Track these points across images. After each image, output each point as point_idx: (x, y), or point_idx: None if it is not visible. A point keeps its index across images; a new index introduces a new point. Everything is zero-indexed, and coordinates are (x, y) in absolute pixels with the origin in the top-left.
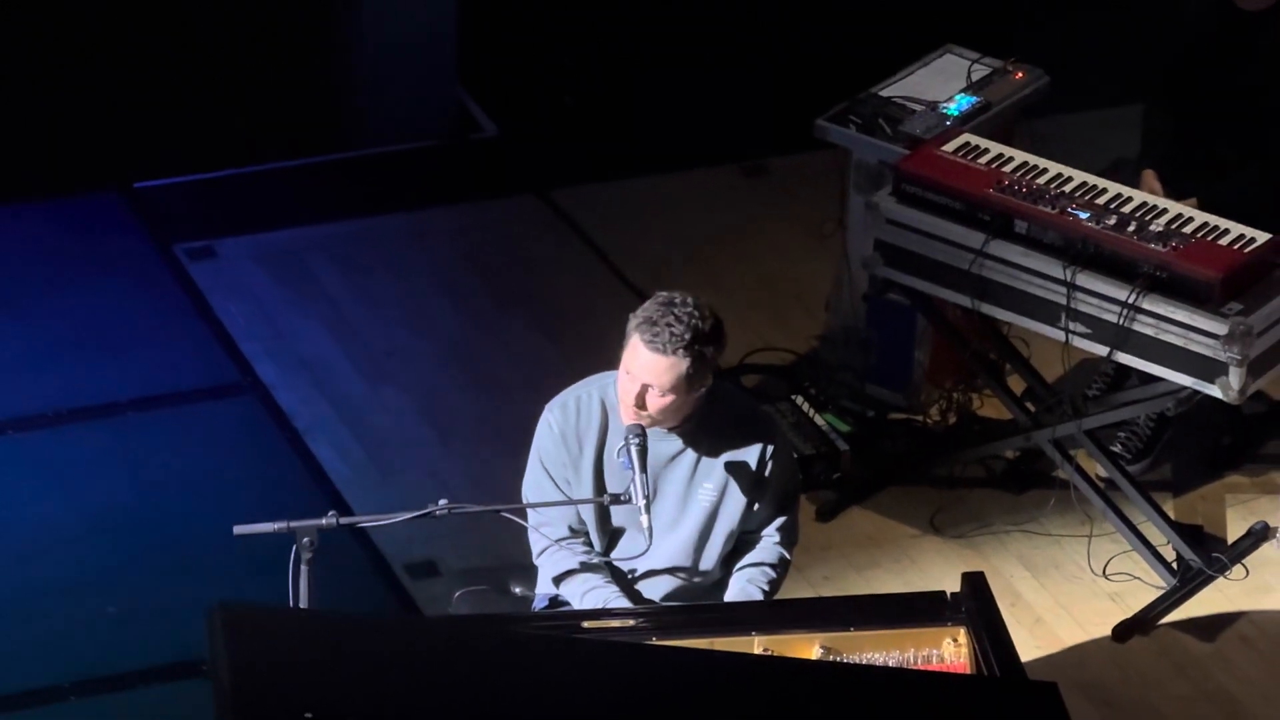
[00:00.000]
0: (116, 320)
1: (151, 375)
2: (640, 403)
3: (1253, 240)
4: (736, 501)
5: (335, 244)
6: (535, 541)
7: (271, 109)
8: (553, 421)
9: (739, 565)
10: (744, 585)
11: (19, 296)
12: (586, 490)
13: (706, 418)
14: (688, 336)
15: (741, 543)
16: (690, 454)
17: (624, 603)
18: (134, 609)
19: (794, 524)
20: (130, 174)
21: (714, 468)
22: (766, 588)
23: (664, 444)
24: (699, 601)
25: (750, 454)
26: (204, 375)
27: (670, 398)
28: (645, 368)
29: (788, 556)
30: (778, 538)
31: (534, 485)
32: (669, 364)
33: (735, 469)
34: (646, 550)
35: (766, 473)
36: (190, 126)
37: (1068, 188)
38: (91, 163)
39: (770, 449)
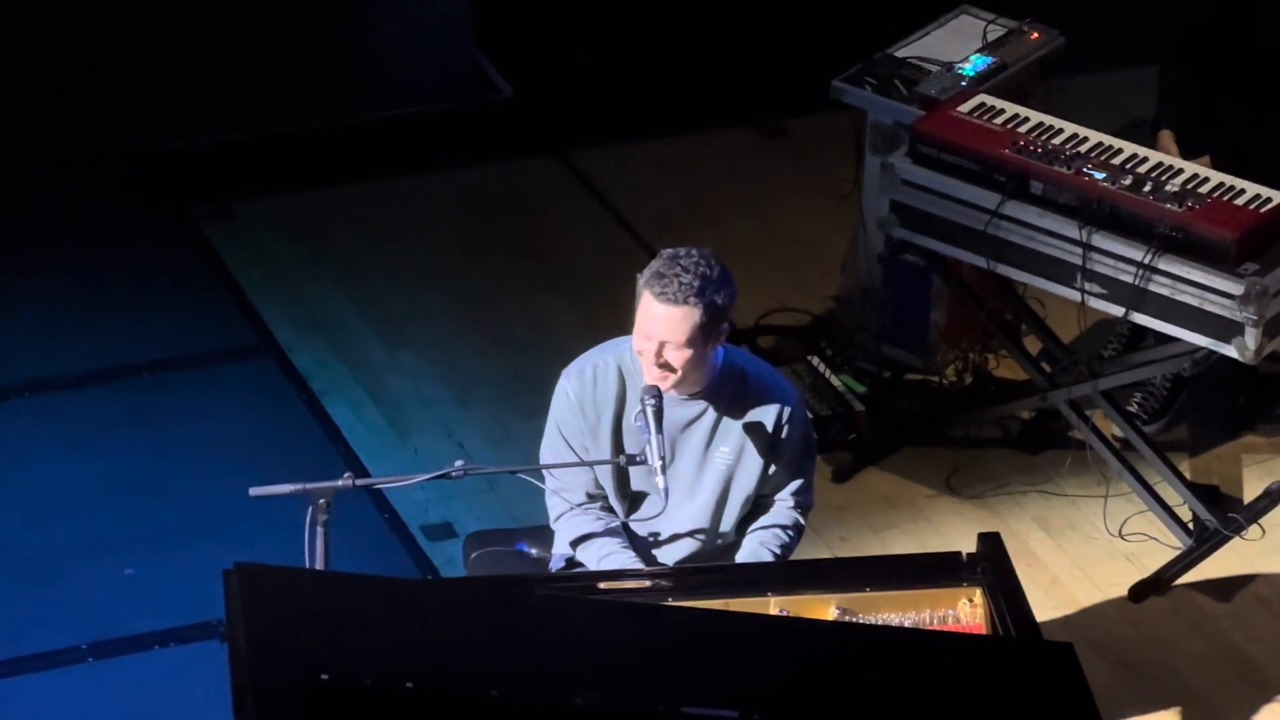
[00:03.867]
0: (134, 282)
1: (169, 337)
2: (661, 361)
3: (1269, 200)
4: (753, 464)
5: (352, 206)
6: (553, 506)
7: (288, 71)
8: (570, 389)
9: (752, 527)
10: (755, 547)
11: (37, 259)
12: (605, 457)
13: (723, 382)
14: (697, 284)
15: (756, 507)
16: (708, 418)
17: (640, 566)
18: (151, 570)
19: (809, 488)
20: (148, 136)
21: (731, 431)
22: (778, 550)
23: (681, 409)
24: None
25: (767, 417)
26: (221, 337)
27: (689, 351)
28: (660, 322)
29: (802, 521)
30: (791, 502)
31: (552, 452)
32: (683, 314)
33: (751, 432)
34: (663, 511)
35: (782, 436)
36: (207, 89)
37: (1083, 148)
38: (110, 125)
39: (786, 412)
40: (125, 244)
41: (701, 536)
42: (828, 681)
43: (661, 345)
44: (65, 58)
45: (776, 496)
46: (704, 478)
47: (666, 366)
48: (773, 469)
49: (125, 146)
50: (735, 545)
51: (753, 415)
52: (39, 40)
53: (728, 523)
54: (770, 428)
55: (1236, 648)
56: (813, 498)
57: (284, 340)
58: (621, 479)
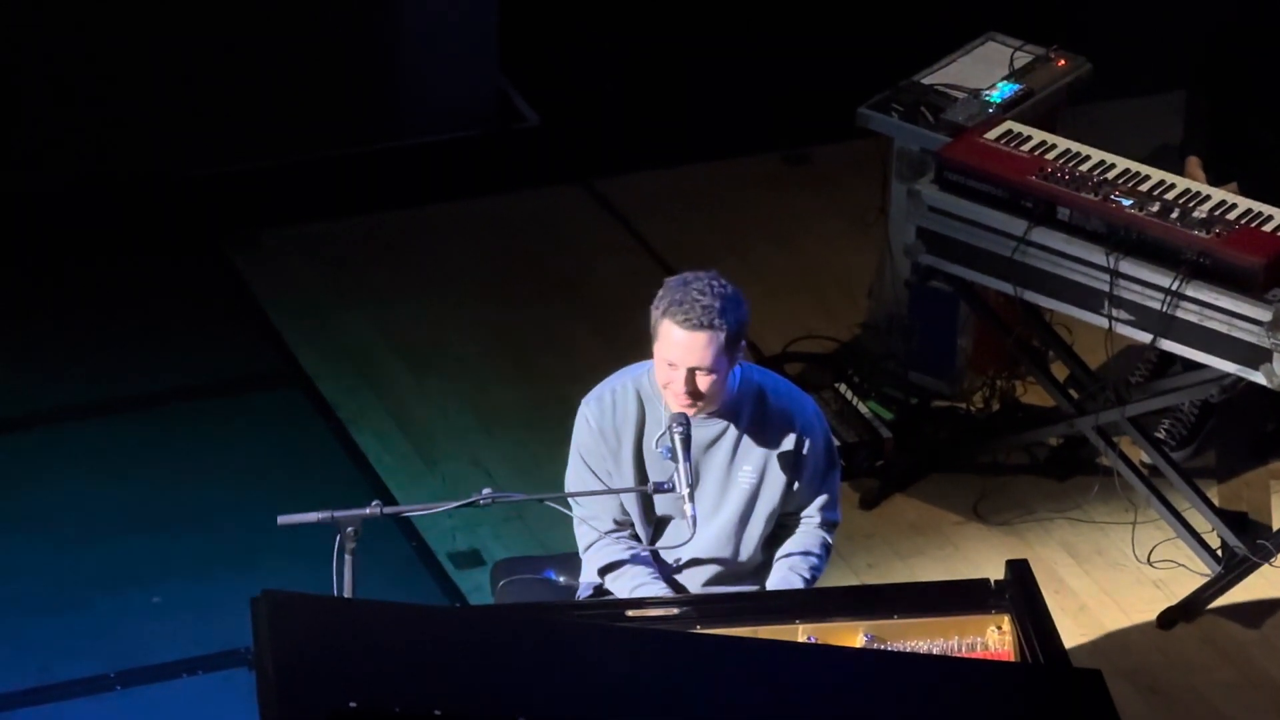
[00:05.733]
0: (161, 310)
1: (196, 365)
2: (691, 388)
3: None
4: (776, 482)
5: (379, 234)
6: (582, 535)
7: (316, 99)
8: (589, 416)
9: (780, 553)
10: (786, 573)
11: (64, 287)
12: (628, 482)
13: (742, 399)
14: (718, 305)
15: (781, 526)
16: (729, 438)
17: (670, 594)
18: (179, 598)
19: (834, 504)
20: (175, 164)
21: (753, 450)
22: (808, 574)
23: (703, 429)
24: (741, 587)
25: (788, 433)
26: (248, 365)
27: (716, 374)
28: (687, 350)
29: (829, 540)
30: (818, 519)
31: (576, 480)
32: (708, 338)
33: (774, 450)
34: (691, 539)
35: (804, 451)
36: (235, 117)
37: (1110, 174)
38: (137, 153)
39: (807, 426)
40: (152, 271)
41: (725, 559)
42: (856, 708)
43: (691, 372)
44: (92, 85)
45: (802, 515)
46: (727, 498)
47: (696, 393)
48: (796, 485)
49: (152, 174)
50: (760, 565)
51: (774, 432)
52: (66, 67)
53: (750, 543)
54: (792, 444)
55: (1266, 674)
56: (839, 514)
57: (310, 368)
58: (646, 504)
